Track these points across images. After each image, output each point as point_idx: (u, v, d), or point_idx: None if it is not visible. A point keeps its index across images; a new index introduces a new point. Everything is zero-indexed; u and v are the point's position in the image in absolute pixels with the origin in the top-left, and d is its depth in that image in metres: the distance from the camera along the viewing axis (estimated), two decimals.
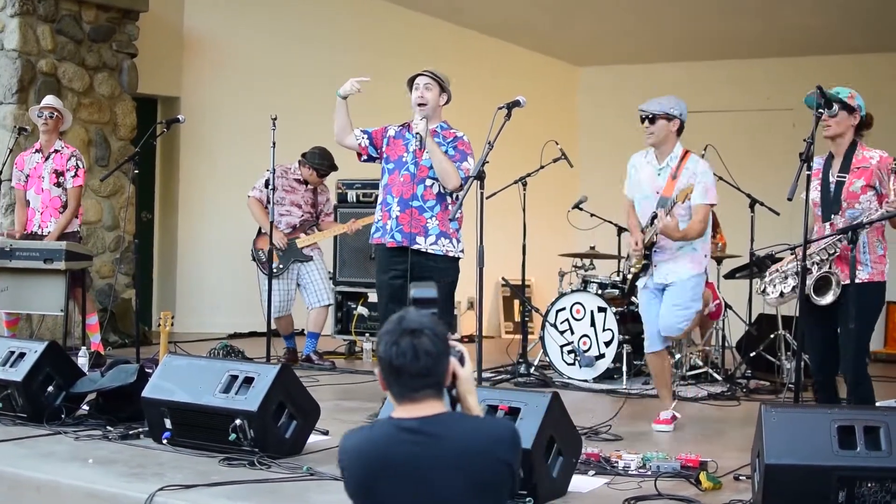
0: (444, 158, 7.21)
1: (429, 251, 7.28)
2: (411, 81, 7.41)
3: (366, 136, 7.54)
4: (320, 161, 10.19)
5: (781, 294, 6.63)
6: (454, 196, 7.31)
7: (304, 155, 10.26)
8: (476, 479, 3.09)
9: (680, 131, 7.39)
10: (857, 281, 6.18)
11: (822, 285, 6.28)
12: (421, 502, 3.11)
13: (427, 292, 3.40)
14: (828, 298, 6.24)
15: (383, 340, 3.18)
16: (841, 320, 6.24)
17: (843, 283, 6.23)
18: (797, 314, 6.22)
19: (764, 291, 6.81)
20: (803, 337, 6.45)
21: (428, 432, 3.12)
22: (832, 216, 6.37)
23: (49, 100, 9.72)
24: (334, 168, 10.20)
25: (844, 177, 6.34)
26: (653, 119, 7.31)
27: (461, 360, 3.35)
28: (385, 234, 7.36)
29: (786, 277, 6.61)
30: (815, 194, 6.46)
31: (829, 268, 6.29)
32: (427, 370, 3.14)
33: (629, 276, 7.66)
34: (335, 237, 10.99)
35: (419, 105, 7.30)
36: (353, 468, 3.20)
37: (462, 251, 7.40)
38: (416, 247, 7.26)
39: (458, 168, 7.23)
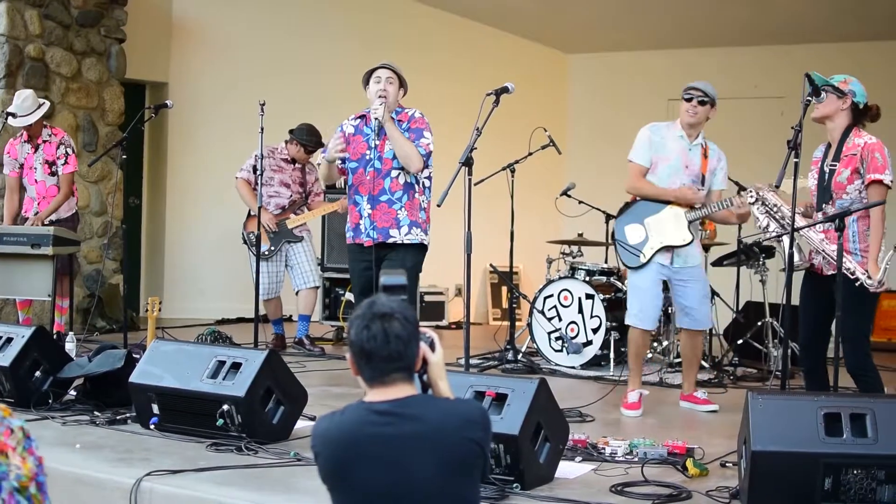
0: (405, 142, 7.33)
1: (404, 242, 7.43)
2: (369, 74, 7.48)
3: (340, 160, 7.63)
4: (308, 137, 10.17)
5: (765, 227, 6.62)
6: (420, 184, 7.47)
7: (291, 131, 10.22)
8: (448, 460, 3.13)
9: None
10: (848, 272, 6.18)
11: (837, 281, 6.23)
12: (394, 483, 3.13)
13: (396, 279, 3.45)
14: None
15: (354, 325, 3.21)
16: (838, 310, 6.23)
17: (828, 273, 6.24)
18: (783, 301, 6.22)
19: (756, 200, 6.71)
20: (791, 325, 6.43)
21: (399, 414, 3.15)
22: (823, 205, 6.36)
23: (22, 106, 9.44)
24: (321, 145, 10.14)
25: (835, 165, 6.32)
26: (703, 101, 7.54)
27: (431, 346, 3.39)
28: (360, 234, 7.49)
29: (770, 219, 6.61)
30: (811, 182, 6.47)
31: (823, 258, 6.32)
32: (397, 354, 3.18)
33: (655, 245, 7.53)
34: (323, 219, 10.98)
35: (380, 97, 7.37)
36: (325, 452, 3.22)
37: (429, 240, 7.61)
38: (391, 240, 7.41)
39: (418, 146, 7.33)
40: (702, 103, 7.53)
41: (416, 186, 7.47)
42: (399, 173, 7.41)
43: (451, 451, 3.14)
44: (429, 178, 7.57)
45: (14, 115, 9.47)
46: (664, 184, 7.54)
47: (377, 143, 7.40)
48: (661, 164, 7.58)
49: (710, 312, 7.83)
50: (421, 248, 7.56)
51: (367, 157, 7.44)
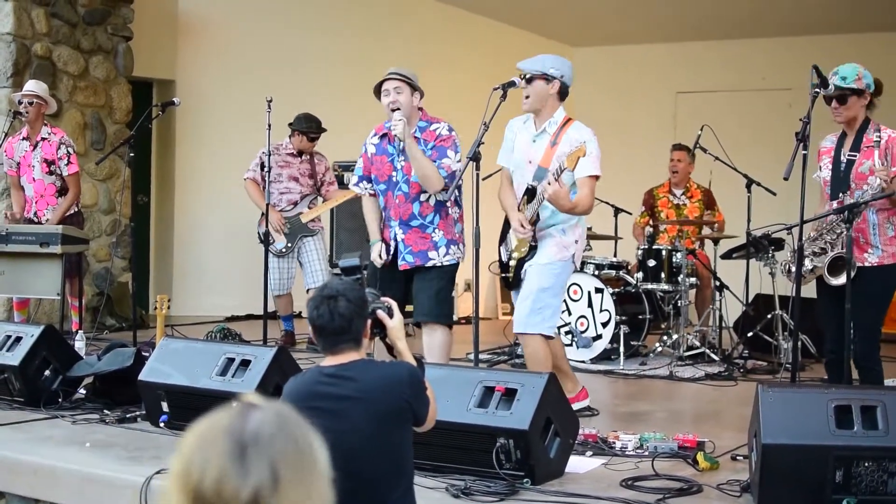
0: (425, 163, 6.87)
1: (444, 263, 7.08)
2: (378, 88, 7.05)
3: (367, 184, 7.28)
4: (307, 123, 10.10)
5: (812, 269, 6.48)
6: (451, 198, 7.08)
7: (290, 125, 10.19)
8: (379, 411, 3.74)
9: (562, 95, 6.83)
10: (867, 264, 6.17)
11: (837, 266, 6.23)
12: (336, 431, 3.56)
13: (351, 262, 4.13)
14: (840, 279, 6.17)
15: (310, 305, 3.80)
16: (853, 301, 6.19)
17: (857, 264, 6.20)
18: (794, 294, 6.20)
19: (789, 272, 6.69)
20: (801, 317, 6.41)
21: (343, 376, 3.76)
22: (840, 195, 6.28)
23: (30, 85, 9.62)
24: (322, 130, 10.15)
25: (855, 156, 6.25)
26: (529, 79, 6.72)
27: (389, 313, 4.04)
28: (395, 257, 7.13)
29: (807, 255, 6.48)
30: (825, 172, 6.39)
31: (842, 248, 6.24)
32: (342, 329, 3.76)
33: (512, 263, 6.96)
34: (331, 216, 10.96)
35: (393, 111, 6.92)
36: (287, 403, 3.62)
37: (464, 255, 7.20)
38: (430, 263, 7.06)
39: (439, 166, 6.90)
40: (528, 81, 6.73)
41: (448, 201, 7.08)
42: (429, 196, 7.02)
43: (381, 406, 3.74)
44: (458, 188, 7.02)
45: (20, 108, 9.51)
46: (518, 185, 6.91)
47: (402, 164, 7.02)
48: (512, 165, 6.99)
49: (524, 314, 6.78)
50: (455, 265, 7.19)
51: (394, 179, 7.08)
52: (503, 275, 7.17)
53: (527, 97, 6.77)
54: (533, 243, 6.78)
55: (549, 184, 6.44)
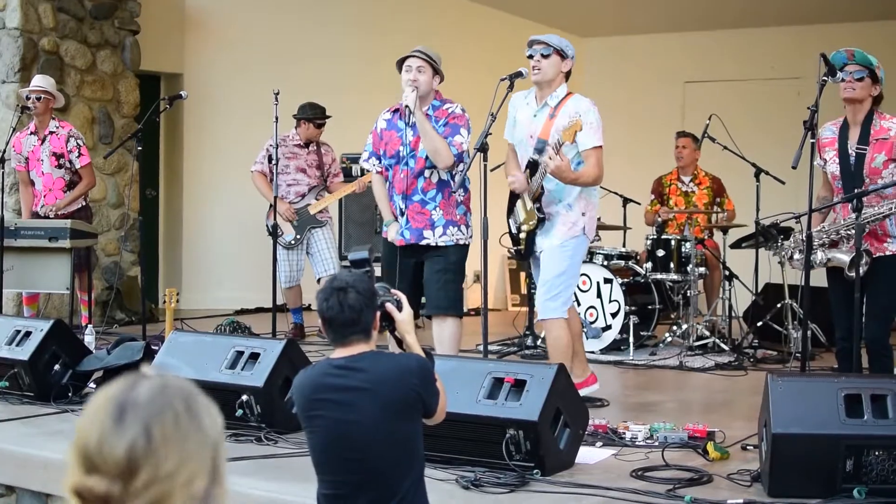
0: (435, 135, 6.89)
1: (439, 244, 7.05)
2: (401, 63, 7.08)
3: (377, 161, 7.28)
4: (312, 111, 10.09)
5: (825, 261, 6.44)
6: (455, 176, 7.05)
7: (295, 115, 10.19)
8: (388, 402, 3.72)
9: (567, 76, 6.92)
10: (888, 253, 6.15)
11: (854, 259, 6.19)
12: (346, 422, 3.74)
13: (360, 254, 4.12)
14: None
15: (319, 297, 3.79)
16: (867, 291, 6.17)
17: (877, 254, 6.18)
18: (803, 283, 6.18)
19: (791, 258, 6.66)
20: (810, 306, 6.38)
21: (352, 367, 3.75)
22: (855, 190, 6.23)
23: (37, 80, 9.65)
24: (327, 116, 10.17)
25: (864, 149, 6.19)
26: (546, 54, 6.77)
27: (398, 306, 4.04)
28: (395, 233, 7.15)
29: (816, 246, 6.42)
30: (833, 167, 6.31)
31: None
32: (352, 320, 3.74)
33: (522, 236, 6.97)
34: (340, 208, 10.96)
35: (410, 85, 6.94)
36: (297, 396, 3.88)
37: (471, 237, 7.18)
38: (424, 242, 7.04)
39: (450, 144, 6.92)
40: (545, 56, 6.75)
41: (453, 181, 7.03)
42: (432, 172, 7.01)
43: (391, 396, 3.72)
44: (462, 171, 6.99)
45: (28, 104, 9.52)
46: (521, 159, 6.93)
47: (411, 139, 7.03)
48: (517, 139, 7.01)
49: (544, 298, 6.76)
50: (460, 246, 7.14)
51: (401, 154, 7.07)
52: (515, 248, 7.20)
53: (538, 70, 6.75)
54: (541, 215, 6.82)
55: (550, 158, 6.44)
